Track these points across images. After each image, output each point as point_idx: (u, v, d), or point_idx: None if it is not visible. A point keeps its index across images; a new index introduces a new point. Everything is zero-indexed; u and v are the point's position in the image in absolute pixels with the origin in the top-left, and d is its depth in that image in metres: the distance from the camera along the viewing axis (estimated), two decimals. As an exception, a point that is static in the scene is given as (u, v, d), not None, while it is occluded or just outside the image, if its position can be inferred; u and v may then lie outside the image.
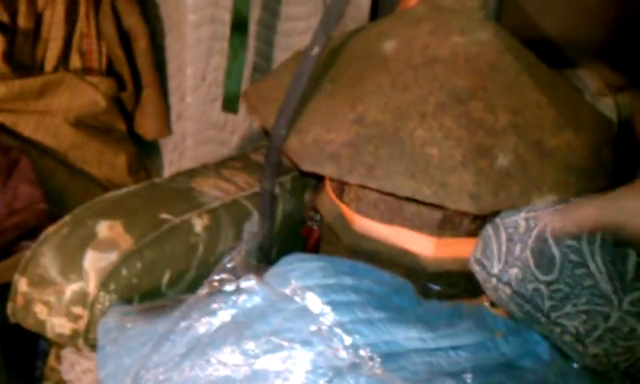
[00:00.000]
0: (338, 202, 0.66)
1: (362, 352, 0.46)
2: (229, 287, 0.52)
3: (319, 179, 0.69)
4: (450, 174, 0.57)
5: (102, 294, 0.56)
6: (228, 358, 0.49)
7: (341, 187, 0.65)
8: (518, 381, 0.50)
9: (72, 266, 0.57)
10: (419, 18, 0.65)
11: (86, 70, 0.89)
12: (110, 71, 0.92)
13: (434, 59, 0.62)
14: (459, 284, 0.63)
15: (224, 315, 0.50)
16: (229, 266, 0.55)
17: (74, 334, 0.57)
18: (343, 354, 0.46)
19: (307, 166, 0.60)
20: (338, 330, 0.47)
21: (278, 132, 0.60)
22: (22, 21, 0.84)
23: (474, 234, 0.61)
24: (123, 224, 0.58)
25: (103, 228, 0.57)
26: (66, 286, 0.56)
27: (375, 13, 0.97)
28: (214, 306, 0.51)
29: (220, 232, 0.62)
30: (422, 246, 0.62)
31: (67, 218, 0.60)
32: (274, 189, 0.65)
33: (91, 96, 0.87)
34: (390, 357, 0.46)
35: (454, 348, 0.50)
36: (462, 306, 0.56)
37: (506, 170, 0.58)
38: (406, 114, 0.59)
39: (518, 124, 0.60)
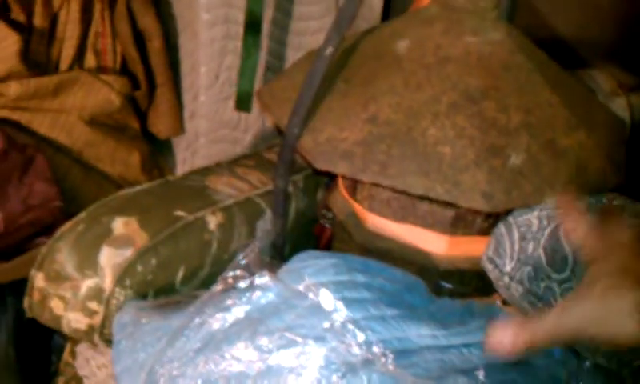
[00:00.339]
0: (350, 200, 0.66)
1: (374, 348, 0.47)
2: (243, 284, 0.52)
3: (332, 177, 0.70)
4: (462, 173, 0.57)
5: (117, 289, 0.56)
6: (242, 354, 0.49)
7: (353, 185, 0.65)
8: (531, 378, 0.50)
9: (88, 261, 0.57)
10: (432, 17, 0.65)
11: (100, 69, 0.90)
12: (124, 70, 0.93)
13: (446, 59, 0.62)
14: (471, 282, 0.63)
15: (238, 311, 0.51)
16: (242, 262, 0.55)
17: (90, 330, 0.58)
18: (356, 350, 0.47)
19: (320, 165, 0.60)
20: (350, 327, 0.47)
21: (292, 131, 0.61)
22: (38, 20, 0.85)
23: (486, 232, 0.61)
24: (138, 221, 0.58)
25: (119, 224, 0.58)
26: (82, 281, 0.57)
27: (387, 13, 0.97)
28: (228, 302, 0.52)
29: (234, 229, 0.63)
30: (434, 244, 0.63)
31: (83, 214, 0.61)
32: (287, 187, 0.65)
33: (105, 95, 0.88)
34: (403, 353, 0.47)
35: (466, 345, 0.50)
36: (474, 304, 0.56)
37: (518, 169, 0.58)
38: (418, 114, 0.59)
39: (530, 123, 0.60)
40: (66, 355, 0.66)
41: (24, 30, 0.83)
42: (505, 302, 0.60)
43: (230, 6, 0.93)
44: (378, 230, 0.64)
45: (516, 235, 0.59)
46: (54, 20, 0.86)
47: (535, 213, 0.58)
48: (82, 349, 0.63)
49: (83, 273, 0.57)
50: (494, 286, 0.60)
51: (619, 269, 0.48)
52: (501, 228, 0.60)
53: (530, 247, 0.58)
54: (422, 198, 0.59)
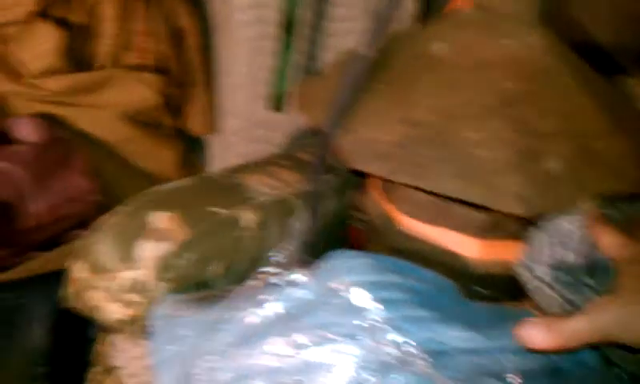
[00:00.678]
0: (383, 201, 0.67)
1: (408, 349, 0.47)
2: (277, 280, 0.53)
3: (365, 178, 0.70)
4: (498, 176, 0.57)
5: (156, 282, 0.57)
6: (276, 349, 0.50)
7: (386, 187, 0.65)
8: (565, 387, 0.50)
9: (128, 253, 0.58)
10: (468, 20, 0.66)
11: (136, 67, 0.92)
12: (160, 68, 0.95)
13: (482, 62, 0.62)
14: (503, 287, 0.63)
15: (273, 307, 0.51)
16: (277, 260, 0.56)
17: (127, 321, 0.59)
18: (390, 350, 0.47)
19: (355, 165, 0.61)
20: (385, 326, 0.48)
21: (328, 131, 0.61)
22: (76, 17, 0.86)
23: (519, 236, 0.61)
24: (178, 215, 0.59)
25: (158, 218, 0.59)
26: (121, 273, 0.58)
27: (422, 14, 0.97)
28: (263, 297, 0.52)
29: (268, 227, 0.64)
30: (467, 247, 0.63)
31: (123, 207, 0.62)
32: (321, 187, 0.66)
33: (141, 92, 0.89)
34: (436, 355, 0.47)
35: (498, 349, 0.50)
36: (507, 308, 0.56)
37: (554, 174, 0.58)
38: (455, 116, 0.59)
39: (566, 128, 0.60)
40: (100, 346, 0.68)
41: (63, 26, 0.85)
42: (537, 308, 0.60)
43: (264, 6, 0.94)
44: (410, 232, 0.65)
45: (549, 240, 0.59)
46: (92, 17, 0.88)
47: (569, 218, 0.58)
48: (118, 340, 0.64)
49: (123, 264, 0.58)
50: (525, 290, 0.60)
51: None
52: (534, 232, 0.60)
53: (563, 252, 0.58)
54: (456, 200, 0.59)
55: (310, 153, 0.69)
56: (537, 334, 0.50)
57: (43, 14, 0.84)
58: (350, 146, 0.60)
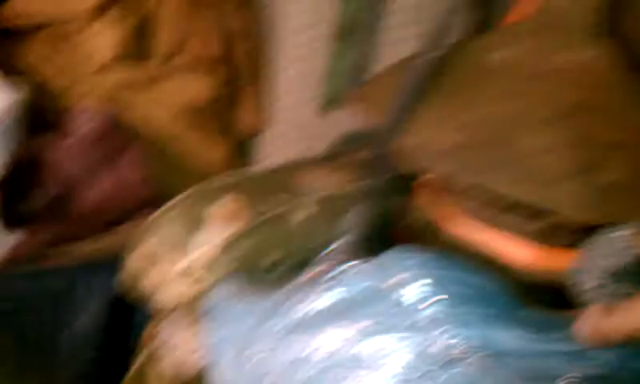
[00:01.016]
0: (434, 205, 0.67)
1: (465, 346, 0.47)
2: (335, 271, 0.54)
3: (416, 181, 0.71)
4: (556, 185, 0.57)
5: (211, 269, 0.59)
6: (328, 341, 0.50)
7: (438, 190, 0.66)
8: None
9: (183, 241, 0.60)
10: (527, 31, 0.66)
11: (192, 65, 0.93)
12: (215, 67, 0.96)
13: (541, 72, 0.63)
14: (552, 296, 0.63)
15: (330, 297, 0.52)
16: (333, 252, 0.57)
17: (181, 305, 0.60)
18: (448, 345, 0.47)
19: (410, 167, 0.61)
20: (443, 322, 0.48)
21: (388, 132, 0.62)
22: (136, 14, 0.88)
23: (573, 246, 0.61)
24: (241, 201, 0.60)
25: (216, 208, 0.60)
26: (177, 259, 0.60)
27: (482, 23, 0.98)
28: (317, 289, 0.53)
29: (323, 222, 0.65)
30: (520, 254, 0.63)
31: (181, 196, 0.63)
32: (373, 188, 0.66)
33: (195, 90, 0.91)
34: (494, 354, 0.47)
35: (554, 353, 0.50)
36: (561, 314, 0.56)
37: (614, 184, 0.58)
38: (513, 125, 0.60)
39: (625, 141, 0.60)
40: (149, 330, 0.69)
41: (123, 23, 0.87)
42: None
43: (317, 11, 0.96)
44: (461, 237, 0.65)
45: (604, 251, 0.59)
46: (152, 14, 0.90)
47: (625, 231, 0.58)
48: (167, 324, 0.66)
49: (178, 251, 0.60)
50: (576, 300, 0.60)
51: None
52: (588, 243, 0.59)
53: (617, 264, 0.57)
54: (510, 207, 0.60)
55: (365, 153, 0.69)
56: (588, 326, 0.50)
57: (104, 10, 0.86)
58: (412, 146, 0.60)
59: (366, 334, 0.49)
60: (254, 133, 1.01)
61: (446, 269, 0.50)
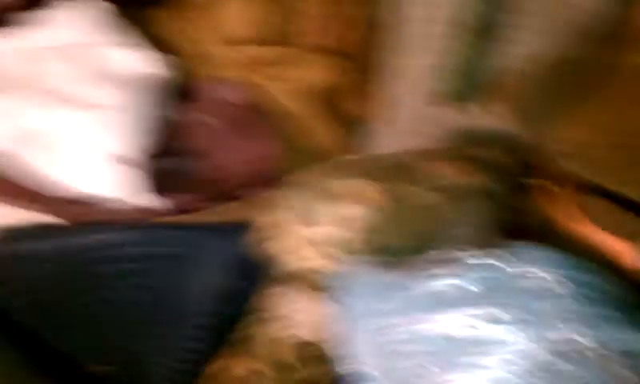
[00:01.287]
0: (551, 204, 0.68)
1: (589, 343, 0.49)
2: (463, 258, 0.56)
3: (536, 179, 0.72)
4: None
5: (343, 244, 0.62)
6: (452, 321, 0.53)
7: (560, 189, 0.67)
8: None
9: (313, 213, 0.64)
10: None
11: (318, 51, 0.97)
12: (343, 54, 1.00)
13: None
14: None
15: (452, 282, 0.55)
16: (454, 241, 0.59)
17: (305, 275, 0.64)
18: (570, 340, 0.49)
19: (535, 165, 0.63)
20: (565, 317, 0.50)
21: (511, 132, 0.64)
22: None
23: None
24: (366, 186, 0.64)
25: (347, 186, 0.64)
26: (305, 229, 0.63)
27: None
28: (443, 271, 0.56)
29: (445, 211, 0.67)
30: (636, 256, 0.63)
31: (311, 171, 0.67)
32: (495, 183, 0.68)
33: (324, 73, 0.95)
34: (623, 354, 0.48)
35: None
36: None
37: None
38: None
39: None
40: (265, 295, 0.73)
41: (259, 5, 0.92)
42: None
43: (441, 8, 0.98)
44: (578, 237, 0.66)
45: None
46: (287, 2, 0.94)
47: None
48: (286, 291, 0.70)
49: (308, 222, 0.63)
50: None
51: None
52: None
53: None
54: (630, 208, 0.60)
55: (487, 149, 0.71)
56: None
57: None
58: (540, 144, 0.62)
59: (489, 319, 0.51)
60: (368, 120, 1.04)
61: (571, 267, 0.52)
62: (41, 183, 0.76)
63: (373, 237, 0.62)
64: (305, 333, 0.66)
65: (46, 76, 0.77)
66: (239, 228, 0.73)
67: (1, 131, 0.76)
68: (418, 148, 0.78)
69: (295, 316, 0.68)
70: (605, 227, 0.63)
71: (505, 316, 0.51)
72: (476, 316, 0.52)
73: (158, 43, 0.86)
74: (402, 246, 0.64)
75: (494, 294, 0.52)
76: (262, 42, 0.93)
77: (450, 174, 0.72)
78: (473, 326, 0.52)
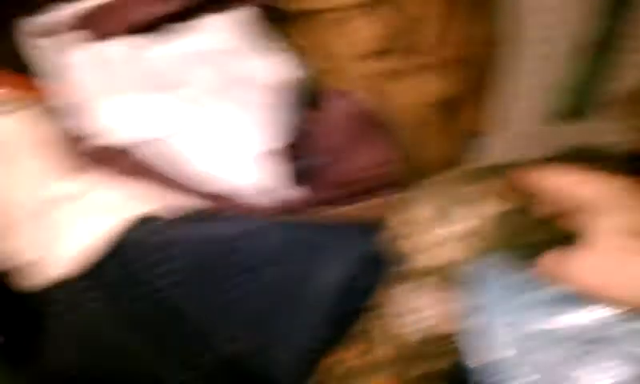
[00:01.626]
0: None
1: None
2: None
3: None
4: None
5: (476, 240, 0.66)
6: (579, 319, 0.56)
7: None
8: None
9: (444, 211, 0.68)
10: None
11: (437, 64, 1.02)
12: (458, 67, 1.04)
13: None
14: None
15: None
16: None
17: (434, 271, 0.69)
18: None
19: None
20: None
21: (633, 147, 0.66)
22: (398, 8, 0.98)
23: None
24: (498, 187, 0.68)
25: (480, 187, 0.68)
26: (437, 226, 0.68)
27: None
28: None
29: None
30: None
31: (443, 175, 0.71)
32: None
33: (440, 86, 0.99)
34: None
35: None
36: None
37: None
38: None
39: None
40: (393, 292, 0.78)
41: (385, 20, 0.97)
42: None
43: (558, 26, 1.01)
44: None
45: None
46: (414, 10, 0.99)
47: None
48: (412, 287, 0.74)
49: (441, 220, 0.68)
50: None
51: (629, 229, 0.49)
52: None
53: None
54: None
55: (604, 166, 0.74)
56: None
57: (371, 6, 0.97)
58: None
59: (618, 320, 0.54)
60: (483, 134, 1.08)
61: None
62: (189, 174, 0.83)
63: (508, 236, 0.66)
64: (431, 327, 0.70)
65: (195, 78, 0.85)
66: (369, 226, 0.78)
67: (154, 123, 0.84)
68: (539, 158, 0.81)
69: (422, 311, 0.72)
70: None
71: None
72: (602, 317, 0.55)
73: (292, 54, 0.93)
74: (531, 246, 0.67)
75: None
76: (383, 54, 0.99)
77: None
78: (595, 328, 0.55)
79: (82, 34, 0.87)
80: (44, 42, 0.87)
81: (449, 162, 1.05)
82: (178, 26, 0.89)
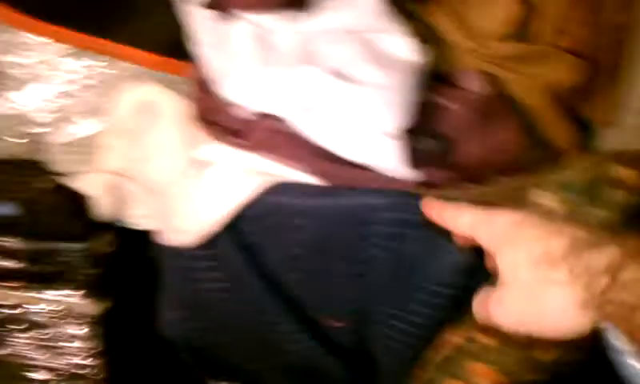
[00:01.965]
0: None
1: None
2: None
3: None
4: None
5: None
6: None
7: None
8: None
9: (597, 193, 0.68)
10: None
11: (565, 49, 1.00)
12: (582, 55, 1.02)
13: None
14: None
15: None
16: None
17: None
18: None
19: None
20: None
21: None
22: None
23: None
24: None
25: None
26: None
27: None
28: None
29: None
30: None
31: (587, 157, 0.71)
32: None
33: (564, 72, 0.98)
34: None
35: None
36: None
37: None
38: None
39: None
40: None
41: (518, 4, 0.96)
42: None
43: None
44: None
45: None
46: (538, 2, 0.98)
47: None
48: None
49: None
50: None
51: (535, 259, 0.50)
52: None
53: None
54: None
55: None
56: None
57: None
58: None
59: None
60: (604, 124, 1.06)
61: None
62: (315, 149, 0.86)
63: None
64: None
65: (324, 56, 0.87)
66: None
67: (280, 99, 0.87)
68: None
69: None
70: None
71: None
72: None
73: (419, 33, 0.94)
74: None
75: None
76: (507, 38, 0.98)
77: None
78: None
79: (226, 5, 0.90)
80: (202, 13, 0.91)
81: (568, 150, 1.03)
82: (308, 3, 0.91)
